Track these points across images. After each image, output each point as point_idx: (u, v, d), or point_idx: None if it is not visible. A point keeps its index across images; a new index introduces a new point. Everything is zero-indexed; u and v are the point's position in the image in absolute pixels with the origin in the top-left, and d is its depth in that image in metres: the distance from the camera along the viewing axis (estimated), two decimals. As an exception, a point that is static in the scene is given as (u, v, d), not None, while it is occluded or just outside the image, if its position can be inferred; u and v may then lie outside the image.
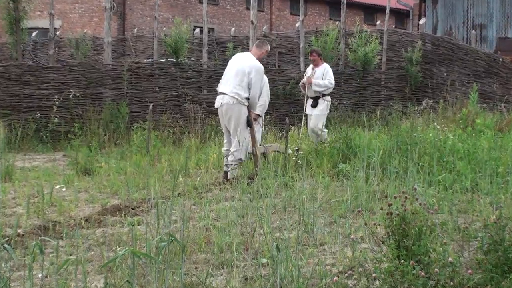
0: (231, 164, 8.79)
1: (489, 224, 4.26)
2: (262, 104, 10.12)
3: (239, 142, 8.71)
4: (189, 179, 8.62)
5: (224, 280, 4.54)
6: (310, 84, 11.45)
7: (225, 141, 9.22)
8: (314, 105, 11.62)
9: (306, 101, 11.73)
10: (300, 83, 11.98)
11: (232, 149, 8.82)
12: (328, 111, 11.88)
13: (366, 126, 10.96)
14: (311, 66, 11.93)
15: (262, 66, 9.12)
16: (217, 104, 8.98)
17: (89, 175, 9.26)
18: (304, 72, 12.97)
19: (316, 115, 11.57)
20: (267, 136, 12.23)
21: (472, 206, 6.73)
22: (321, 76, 11.52)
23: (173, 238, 3.95)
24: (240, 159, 8.78)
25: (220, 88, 8.99)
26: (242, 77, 8.81)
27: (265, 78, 9.99)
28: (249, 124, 8.83)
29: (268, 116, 11.45)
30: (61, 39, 20.08)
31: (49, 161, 11.04)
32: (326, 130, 11.66)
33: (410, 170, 7.57)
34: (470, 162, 8.60)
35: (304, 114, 11.88)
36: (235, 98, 8.78)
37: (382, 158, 8.50)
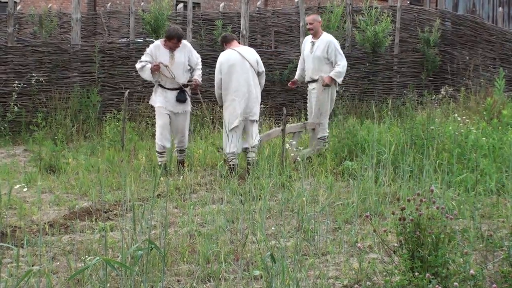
0: None
1: (517, 231, 4.28)
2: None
3: None
4: (171, 178, 8.62)
5: (211, 295, 4.55)
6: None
7: None
8: (183, 99, 9.53)
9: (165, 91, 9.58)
10: (153, 66, 9.40)
11: None
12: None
13: (375, 117, 10.96)
14: (159, 43, 9.66)
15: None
16: None
17: (54, 173, 9.24)
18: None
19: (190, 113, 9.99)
20: (261, 129, 12.23)
21: (498, 211, 6.76)
22: (186, 61, 9.56)
23: (152, 246, 3.96)
24: None
25: None
26: None
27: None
28: None
29: (262, 106, 11.37)
30: (22, 14, 20.00)
31: (7, 156, 11.01)
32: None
33: (426, 169, 7.59)
34: (496, 159, 8.63)
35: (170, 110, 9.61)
36: None
37: (394, 155, 8.52)
